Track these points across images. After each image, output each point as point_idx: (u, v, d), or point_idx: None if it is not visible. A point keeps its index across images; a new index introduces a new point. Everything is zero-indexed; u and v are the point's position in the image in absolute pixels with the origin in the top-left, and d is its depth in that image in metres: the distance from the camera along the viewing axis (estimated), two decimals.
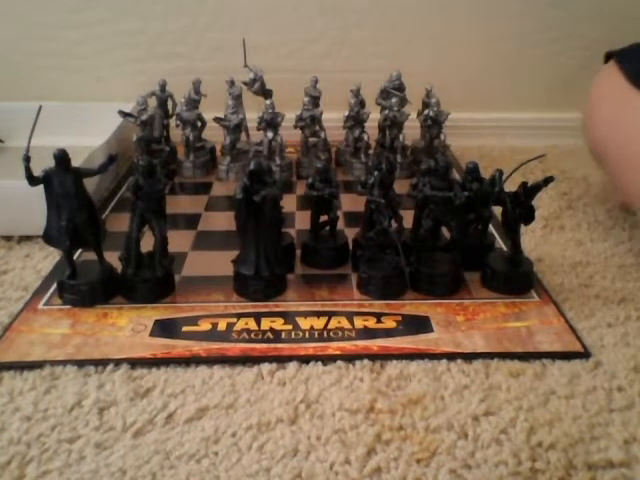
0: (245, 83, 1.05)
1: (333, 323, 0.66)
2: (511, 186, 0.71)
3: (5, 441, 0.51)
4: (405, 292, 0.71)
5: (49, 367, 0.59)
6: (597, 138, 0.79)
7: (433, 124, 1.05)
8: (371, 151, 1.07)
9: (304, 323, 0.66)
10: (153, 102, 1.07)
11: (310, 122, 1.04)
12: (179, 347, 0.62)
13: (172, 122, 1.08)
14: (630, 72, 0.83)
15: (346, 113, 1.06)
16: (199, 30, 1.20)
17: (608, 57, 0.93)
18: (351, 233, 0.79)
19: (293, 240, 0.79)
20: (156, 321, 0.66)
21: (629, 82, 0.82)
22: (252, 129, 1.06)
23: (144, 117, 1.01)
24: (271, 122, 1.00)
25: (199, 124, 1.07)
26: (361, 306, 0.69)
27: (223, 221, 0.88)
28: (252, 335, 0.64)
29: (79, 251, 0.78)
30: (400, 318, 0.67)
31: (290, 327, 0.65)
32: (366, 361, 0.60)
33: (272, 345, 0.62)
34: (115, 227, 0.78)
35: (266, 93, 1.04)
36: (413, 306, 0.69)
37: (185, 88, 1.05)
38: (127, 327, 0.65)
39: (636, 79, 0.81)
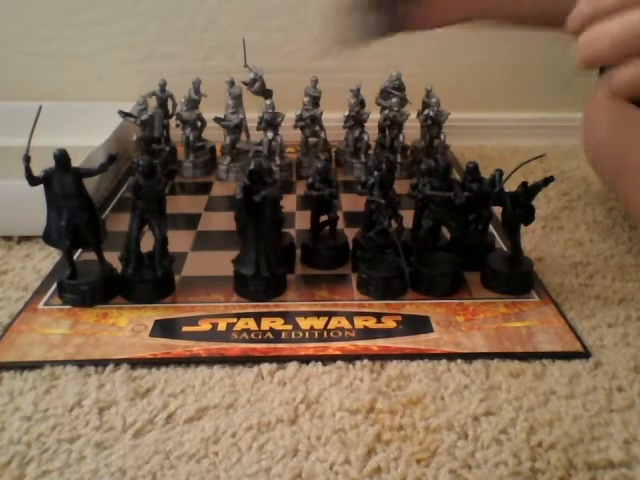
0: (245, 83, 1.04)
1: (333, 323, 0.66)
2: (511, 186, 0.71)
3: (5, 441, 0.51)
4: (405, 292, 0.71)
5: (49, 367, 0.59)
6: (597, 156, 0.79)
7: (433, 124, 1.05)
8: (371, 151, 1.07)
9: (304, 323, 0.66)
10: (153, 102, 1.07)
11: (310, 122, 1.04)
12: (179, 347, 0.62)
13: (172, 122, 1.08)
14: None
15: (346, 113, 1.06)
16: (199, 30, 1.20)
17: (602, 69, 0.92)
18: (351, 233, 0.79)
19: (293, 240, 0.79)
20: (156, 321, 0.66)
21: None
22: (252, 129, 1.06)
23: (144, 117, 1.01)
24: (271, 122, 1.00)
25: (199, 124, 1.07)
26: (361, 306, 0.69)
27: (223, 221, 0.88)
28: (252, 335, 0.64)
29: (79, 251, 0.78)
30: (400, 318, 0.67)
31: (290, 327, 0.65)
32: (366, 361, 0.60)
33: (272, 345, 0.62)
34: (115, 227, 0.78)
35: (266, 93, 1.04)
36: (413, 306, 0.69)
37: (185, 88, 1.05)
38: (127, 327, 0.65)
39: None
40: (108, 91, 1.18)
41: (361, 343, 0.63)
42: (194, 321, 0.66)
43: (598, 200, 0.97)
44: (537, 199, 0.71)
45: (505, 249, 0.78)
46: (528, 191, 0.70)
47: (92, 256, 0.71)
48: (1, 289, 0.73)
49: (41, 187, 0.65)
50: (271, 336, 0.64)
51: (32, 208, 0.71)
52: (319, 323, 0.66)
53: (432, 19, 0.72)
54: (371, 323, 0.66)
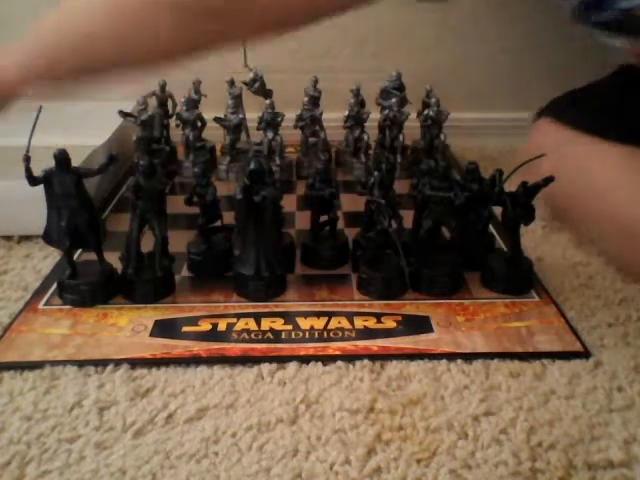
0: (245, 83, 1.04)
1: (333, 323, 0.66)
2: (511, 186, 0.71)
3: (5, 441, 0.51)
4: (405, 292, 0.71)
5: (49, 367, 0.59)
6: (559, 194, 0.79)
7: (433, 124, 1.05)
8: (371, 151, 1.07)
9: (304, 323, 0.66)
10: (153, 102, 1.07)
11: (310, 122, 1.04)
12: (179, 347, 0.62)
13: (172, 122, 1.08)
14: (570, 120, 0.85)
15: (346, 113, 1.05)
16: None
17: (539, 115, 0.95)
18: (351, 233, 0.79)
19: (293, 240, 0.79)
20: (156, 321, 0.66)
21: (572, 130, 0.83)
22: (252, 129, 1.06)
23: (144, 117, 1.01)
24: (271, 122, 1.00)
25: (199, 124, 1.07)
26: (361, 306, 0.69)
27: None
28: (252, 335, 0.64)
29: (79, 251, 0.78)
30: (400, 318, 0.67)
31: (290, 327, 0.65)
32: (366, 361, 0.60)
33: (272, 345, 0.62)
34: (115, 227, 0.78)
35: (266, 93, 1.04)
36: (413, 306, 0.69)
37: (185, 88, 1.05)
38: (127, 327, 0.65)
39: (578, 124, 0.83)
40: (108, 91, 1.18)
41: (361, 343, 0.63)
42: (194, 321, 0.66)
43: None
44: (537, 199, 0.71)
45: (505, 249, 0.78)
46: (528, 191, 0.70)
47: (92, 256, 0.71)
48: (1, 289, 0.73)
49: (41, 187, 0.65)
50: (271, 336, 0.64)
51: (32, 208, 0.71)
52: (319, 323, 0.66)
53: None
54: (371, 323, 0.66)
